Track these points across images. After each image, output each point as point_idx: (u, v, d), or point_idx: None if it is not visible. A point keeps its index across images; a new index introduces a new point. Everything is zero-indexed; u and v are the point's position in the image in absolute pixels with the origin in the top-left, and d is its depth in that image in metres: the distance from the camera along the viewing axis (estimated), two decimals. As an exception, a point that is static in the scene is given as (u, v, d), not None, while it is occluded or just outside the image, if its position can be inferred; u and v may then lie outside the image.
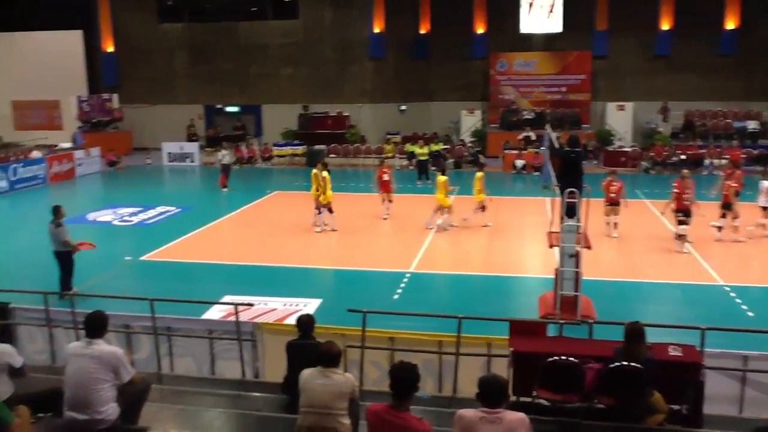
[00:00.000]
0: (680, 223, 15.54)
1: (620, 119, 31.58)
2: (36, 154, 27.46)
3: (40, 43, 34.06)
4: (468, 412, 4.86)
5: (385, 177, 19.38)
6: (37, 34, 34.03)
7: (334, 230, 17.81)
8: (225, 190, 23.93)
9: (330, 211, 17.83)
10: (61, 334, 9.63)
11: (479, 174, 18.45)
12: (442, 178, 17.85)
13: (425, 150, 26.26)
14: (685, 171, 16.78)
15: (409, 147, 29.73)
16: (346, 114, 32.80)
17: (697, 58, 31.11)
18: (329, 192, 17.77)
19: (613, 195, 16.65)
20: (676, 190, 15.88)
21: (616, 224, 16.77)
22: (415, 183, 25.22)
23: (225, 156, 24.70)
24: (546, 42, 33.01)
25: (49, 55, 33.57)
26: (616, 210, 16.73)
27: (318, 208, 17.74)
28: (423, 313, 9.77)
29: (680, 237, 15.54)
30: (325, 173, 17.85)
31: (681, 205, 15.63)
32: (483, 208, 18.21)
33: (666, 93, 31.31)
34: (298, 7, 33.69)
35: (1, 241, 17.86)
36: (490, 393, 4.85)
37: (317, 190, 17.59)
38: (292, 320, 9.90)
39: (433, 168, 23.47)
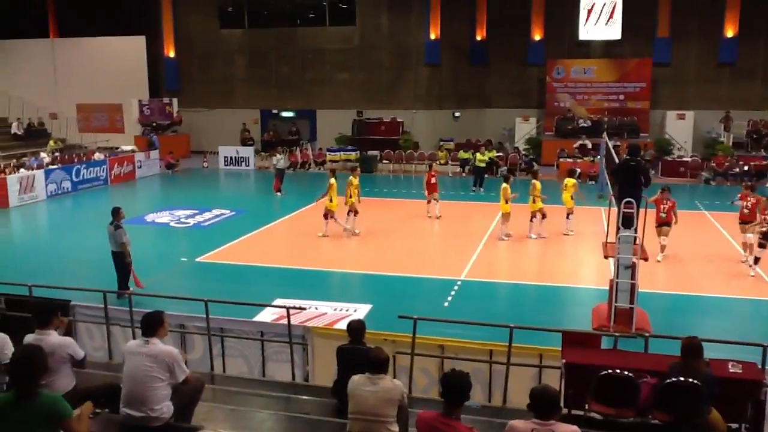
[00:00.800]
0: (760, 245, 14.27)
1: (680, 128, 30.82)
2: (98, 155, 28.33)
3: (104, 48, 35.20)
4: (519, 423, 4.81)
5: (432, 180, 20.15)
6: (102, 39, 35.15)
7: (355, 233, 17.94)
8: (279, 194, 24.23)
9: (355, 214, 18.01)
10: (118, 332, 9.87)
11: (570, 181, 18.27)
12: (571, 180, 18.10)
13: (485, 157, 25.97)
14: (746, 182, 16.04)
15: (462, 154, 29.68)
16: (400, 120, 32.86)
17: (763, 66, 30.17)
18: (335, 198, 17.74)
19: (663, 215, 15.12)
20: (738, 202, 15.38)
21: (663, 246, 15.23)
22: (469, 191, 25.05)
23: (279, 161, 25.02)
24: (604, 49, 32.45)
25: (113, 60, 34.65)
26: (665, 231, 15.19)
27: (351, 211, 17.90)
28: (474, 321, 9.69)
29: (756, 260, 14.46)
30: (351, 178, 18.17)
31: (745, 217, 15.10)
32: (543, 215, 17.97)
33: (730, 102, 30.41)
34: (355, 13, 33.94)
35: (63, 240, 18.49)
36: (542, 404, 4.78)
37: (350, 196, 17.78)
38: (342, 325, 9.97)
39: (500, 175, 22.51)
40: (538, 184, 17.58)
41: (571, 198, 18.01)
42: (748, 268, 14.61)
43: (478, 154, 26.17)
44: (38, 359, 4.79)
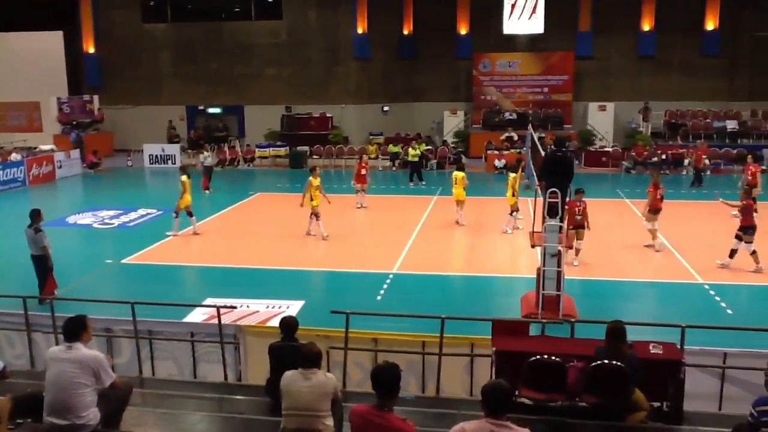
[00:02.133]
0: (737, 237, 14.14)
1: (602, 119, 31.84)
2: (15, 156, 27.15)
3: (19, 44, 33.68)
4: (472, 425, 4.48)
5: (363, 171, 20.53)
6: (17, 34, 33.66)
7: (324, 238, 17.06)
8: (207, 192, 23.80)
9: (317, 217, 17.15)
10: (40, 339, 9.53)
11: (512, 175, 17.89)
12: (512, 174, 17.75)
13: (417, 151, 26.13)
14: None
15: (392, 148, 29.85)
16: (330, 115, 32.76)
17: (680, 59, 31.43)
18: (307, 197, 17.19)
19: (578, 217, 14.45)
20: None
21: (578, 250, 14.63)
22: (407, 184, 25.19)
23: (207, 158, 24.60)
24: (529, 43, 33.18)
25: (29, 56, 33.20)
26: (581, 234, 14.52)
27: (314, 214, 17.14)
28: (406, 313, 9.79)
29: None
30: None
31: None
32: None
33: (649, 93, 31.60)
34: (281, 7, 33.62)
35: (-21, 245, 17.66)
36: (497, 401, 4.51)
37: (312, 199, 16.98)
38: (274, 322, 9.89)
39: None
40: (517, 176, 17.44)
41: (513, 195, 17.43)
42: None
43: (410, 149, 26.33)
44: None
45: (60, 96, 33.25)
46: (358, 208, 20.60)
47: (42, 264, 12.47)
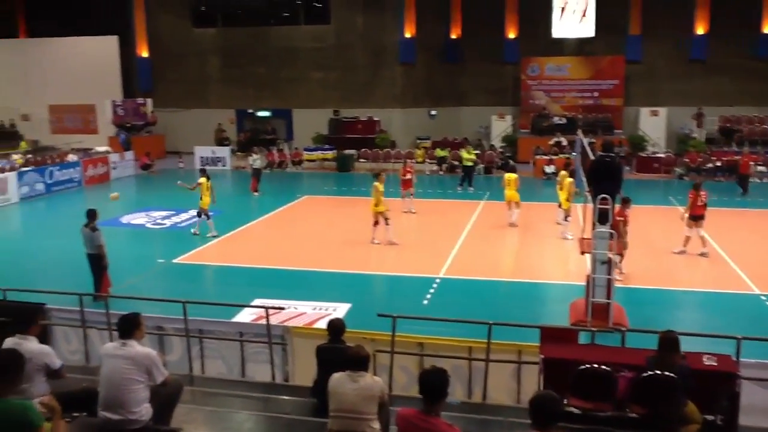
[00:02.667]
0: None
1: (653, 124, 31.23)
2: (72, 157, 27.98)
3: (76, 48, 34.74)
4: None
5: (407, 176, 20.37)
6: (74, 39, 34.67)
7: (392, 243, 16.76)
8: (256, 194, 24.12)
9: (386, 222, 16.85)
10: (95, 335, 9.77)
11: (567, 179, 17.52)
12: (568, 179, 17.32)
13: (472, 155, 25.75)
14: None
15: (438, 152, 29.80)
16: (377, 119, 32.87)
17: (733, 62, 30.58)
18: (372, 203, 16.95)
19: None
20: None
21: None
22: (454, 189, 25.06)
23: (256, 160, 24.93)
24: (578, 47, 32.74)
25: (86, 60, 34.24)
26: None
27: (380, 221, 16.87)
28: (453, 318, 9.74)
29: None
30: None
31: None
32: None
33: (701, 98, 30.79)
34: (329, 12, 33.88)
35: (37, 243, 18.22)
36: (546, 413, 4.41)
37: (376, 204, 16.75)
38: (321, 324, 9.97)
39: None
40: (572, 180, 17.09)
41: (567, 199, 17.27)
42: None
43: (464, 153, 26.05)
44: (15, 365, 4.73)
45: (114, 99, 34.09)
46: (405, 212, 20.39)
47: (97, 262, 12.81)
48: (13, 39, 35.82)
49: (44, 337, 8.92)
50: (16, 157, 26.91)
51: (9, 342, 6.01)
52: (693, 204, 15.32)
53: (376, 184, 16.82)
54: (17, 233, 20.99)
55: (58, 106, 34.94)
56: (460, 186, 24.96)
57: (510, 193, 18.51)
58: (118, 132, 32.98)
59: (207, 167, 30.45)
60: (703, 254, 15.41)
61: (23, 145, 30.62)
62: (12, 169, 24.72)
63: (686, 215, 15.54)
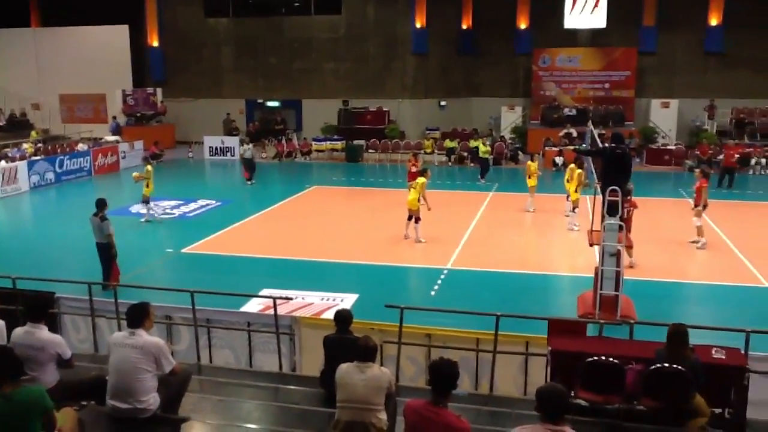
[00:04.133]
0: None
1: (665, 117, 31.00)
2: (82, 146, 28.06)
3: (87, 37, 34.76)
4: (527, 430, 4.43)
5: (413, 169, 19.61)
6: (85, 28, 34.69)
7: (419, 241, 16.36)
8: (249, 183, 24.31)
9: (417, 221, 16.40)
10: (103, 324, 9.82)
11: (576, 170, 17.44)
12: (578, 170, 17.31)
13: (488, 147, 25.55)
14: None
15: (448, 143, 29.74)
16: (386, 109, 32.80)
17: (749, 55, 30.22)
18: (409, 197, 16.37)
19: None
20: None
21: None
22: (462, 180, 24.89)
23: (246, 151, 24.91)
24: (590, 38, 32.45)
25: (96, 50, 34.23)
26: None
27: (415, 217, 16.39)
28: (460, 310, 9.73)
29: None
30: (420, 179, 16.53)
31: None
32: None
33: (715, 90, 30.52)
34: (341, 2, 33.78)
35: (47, 232, 18.35)
36: (554, 405, 4.43)
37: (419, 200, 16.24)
38: (329, 315, 9.97)
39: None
40: (582, 172, 17.10)
41: (576, 190, 17.34)
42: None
43: (480, 145, 25.86)
44: (9, 360, 4.82)
45: (125, 88, 34.15)
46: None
47: (106, 251, 12.86)
48: (25, 28, 35.85)
49: (53, 326, 9.00)
50: (27, 146, 27.02)
51: (20, 330, 6.06)
52: (699, 193, 15.28)
53: (423, 180, 16.47)
54: (28, 222, 21.12)
55: (68, 96, 35.01)
56: (482, 178, 24.73)
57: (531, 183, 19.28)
58: (131, 121, 33.12)
59: (217, 157, 30.85)
60: (695, 242, 15.49)
61: (34, 134, 30.71)
62: (23, 158, 24.83)
63: (701, 207, 15.45)
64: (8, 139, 29.82)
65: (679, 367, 6.25)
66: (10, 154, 25.19)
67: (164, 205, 20.73)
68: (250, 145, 25.40)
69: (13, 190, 23.10)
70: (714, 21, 30.56)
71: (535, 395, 4.55)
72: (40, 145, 28.16)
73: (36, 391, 4.87)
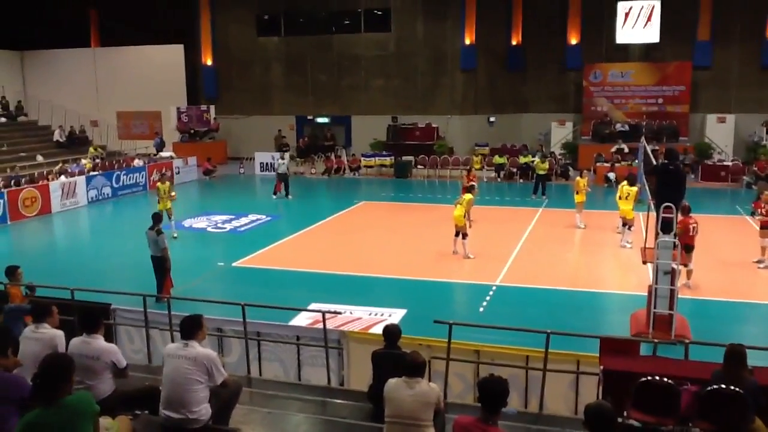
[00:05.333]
0: None
1: (721, 132, 30.28)
2: (137, 162, 28.82)
3: (144, 56, 35.89)
4: None
5: (470, 183, 19.85)
6: (142, 48, 35.84)
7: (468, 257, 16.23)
8: (274, 197, 24.55)
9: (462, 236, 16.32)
10: (157, 335, 10.02)
11: (632, 189, 17.02)
12: (633, 189, 16.97)
13: (546, 165, 25.28)
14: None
15: (497, 159, 29.59)
16: (435, 125, 32.84)
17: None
18: (456, 213, 16.28)
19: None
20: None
21: (689, 272, 13.54)
22: (512, 196, 24.73)
23: (281, 165, 25.14)
24: (643, 52, 32.01)
25: (152, 68, 35.30)
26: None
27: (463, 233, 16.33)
28: (510, 326, 9.62)
29: None
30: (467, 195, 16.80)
31: None
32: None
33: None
34: (390, 20, 34.05)
35: (103, 245, 18.84)
36: (601, 425, 4.45)
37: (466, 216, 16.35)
38: (377, 329, 9.98)
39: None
40: (634, 189, 16.88)
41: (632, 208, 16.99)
42: None
43: (537, 161, 25.62)
44: (62, 368, 4.92)
45: (179, 106, 35.02)
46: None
47: (161, 264, 13.15)
48: (85, 48, 37.16)
49: (109, 337, 9.21)
50: (85, 162, 27.87)
51: (77, 340, 6.22)
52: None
53: (470, 197, 16.72)
54: (85, 235, 21.75)
55: (125, 113, 36.04)
56: (534, 194, 24.49)
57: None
58: (185, 138, 33.93)
59: (267, 173, 31.28)
60: (758, 262, 15.00)
61: (92, 150, 31.67)
62: (81, 173, 25.63)
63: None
64: (68, 155, 30.81)
65: (737, 389, 6.06)
66: (69, 170, 26.05)
67: (215, 220, 21.11)
68: (285, 160, 25.65)
69: (72, 204, 23.85)
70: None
71: (583, 412, 4.51)
72: (98, 160, 29.03)
73: (84, 396, 4.97)
